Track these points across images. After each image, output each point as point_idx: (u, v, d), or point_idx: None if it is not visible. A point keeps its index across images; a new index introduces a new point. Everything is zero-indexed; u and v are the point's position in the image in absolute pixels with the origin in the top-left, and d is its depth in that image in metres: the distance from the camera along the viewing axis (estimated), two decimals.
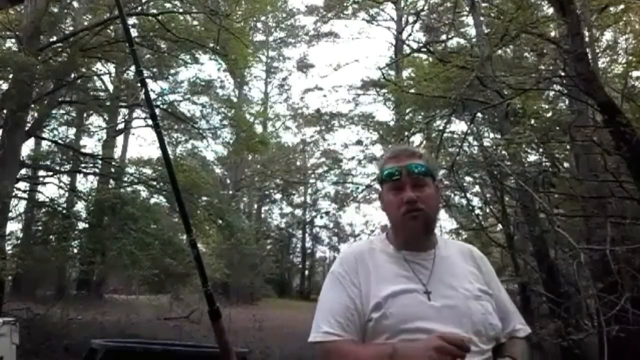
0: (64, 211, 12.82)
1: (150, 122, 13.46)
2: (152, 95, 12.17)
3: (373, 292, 1.39)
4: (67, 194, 14.07)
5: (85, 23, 13.39)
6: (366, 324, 1.37)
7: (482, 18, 10.17)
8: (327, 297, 1.46)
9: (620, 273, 5.20)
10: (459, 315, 1.34)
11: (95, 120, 16.72)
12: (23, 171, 12.08)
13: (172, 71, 14.75)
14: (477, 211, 12.17)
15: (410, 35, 16.93)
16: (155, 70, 14.02)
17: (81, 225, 12.95)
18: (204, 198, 13.62)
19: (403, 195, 1.43)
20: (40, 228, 13.25)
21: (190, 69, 16.58)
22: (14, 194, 11.17)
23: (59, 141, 13.74)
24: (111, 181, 14.20)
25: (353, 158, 24.05)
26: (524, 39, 8.61)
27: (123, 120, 17.86)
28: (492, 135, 12.20)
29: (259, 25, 25.77)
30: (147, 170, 13.71)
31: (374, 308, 1.36)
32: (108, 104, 15.10)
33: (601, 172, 6.82)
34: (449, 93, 7.62)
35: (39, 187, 13.26)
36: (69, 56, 11.17)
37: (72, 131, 15.83)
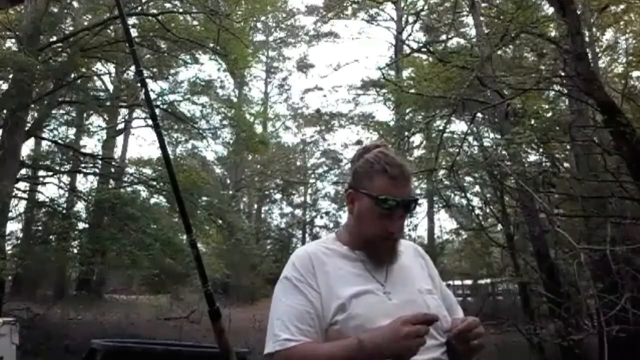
0: (64, 211, 12.82)
1: (150, 122, 13.45)
2: (152, 95, 12.16)
3: (335, 294, 1.35)
4: (67, 194, 14.08)
5: (85, 23, 13.40)
6: (329, 327, 1.33)
7: (482, 18, 10.16)
8: (283, 304, 1.37)
9: (620, 273, 5.20)
10: (420, 310, 1.33)
11: (95, 120, 16.73)
12: (23, 171, 12.07)
13: (172, 71, 14.75)
14: (477, 211, 12.16)
15: (410, 35, 16.94)
16: (155, 70, 14.01)
17: (81, 225, 12.97)
18: (204, 198, 13.62)
19: (388, 225, 1.40)
20: (40, 228, 13.25)
21: (190, 69, 16.57)
22: (14, 194, 11.17)
23: (59, 141, 13.73)
24: (111, 181, 14.20)
25: None
26: (524, 39, 8.61)
27: (123, 120, 17.86)
28: (492, 135, 12.20)
29: (259, 25, 25.74)
30: (147, 170, 13.72)
31: (338, 310, 1.33)
32: (108, 104, 15.10)
33: (601, 172, 6.82)
34: (449, 93, 7.62)
35: (39, 187, 13.26)
36: (69, 56, 11.18)
37: (72, 131, 15.80)
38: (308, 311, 1.34)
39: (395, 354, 1.22)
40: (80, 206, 14.00)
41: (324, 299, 1.35)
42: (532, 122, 7.74)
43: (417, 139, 13.24)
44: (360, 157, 1.47)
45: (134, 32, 11.49)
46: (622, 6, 9.51)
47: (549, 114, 8.97)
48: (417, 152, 13.39)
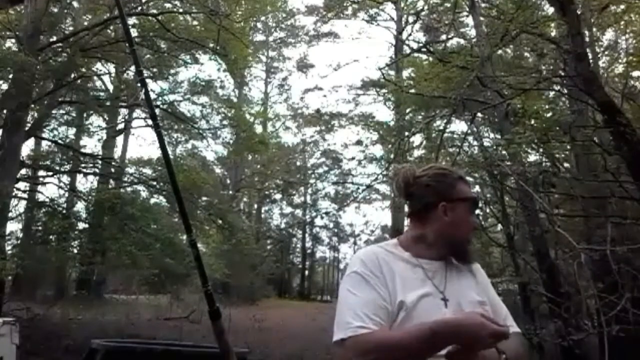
0: (64, 211, 12.83)
1: (150, 122, 13.46)
2: (152, 95, 12.16)
3: (399, 292, 1.43)
4: (67, 194, 14.08)
5: (85, 23, 13.40)
6: (392, 323, 1.40)
7: (482, 18, 10.15)
8: (354, 296, 1.42)
9: (620, 273, 5.19)
10: None
11: (95, 120, 16.70)
12: (23, 171, 12.08)
13: (172, 71, 14.72)
14: (477, 211, 12.13)
15: (410, 35, 16.92)
16: (155, 70, 14.00)
17: (81, 225, 12.98)
18: (204, 198, 13.64)
19: (473, 221, 1.58)
20: (40, 228, 13.25)
21: (190, 69, 16.56)
22: (14, 194, 11.17)
23: (59, 141, 13.73)
24: (111, 181, 14.21)
25: (353, 158, 24.02)
26: (524, 39, 8.61)
27: (123, 120, 17.87)
28: (492, 135, 12.19)
29: (259, 25, 25.76)
30: (147, 170, 13.75)
31: (400, 307, 1.40)
32: (108, 104, 15.10)
33: (601, 172, 6.81)
34: (449, 93, 7.62)
35: (39, 187, 13.27)
36: (69, 56, 11.18)
37: (72, 131, 15.78)
38: (378, 303, 1.40)
39: (471, 342, 1.28)
40: (80, 206, 14.04)
41: (392, 296, 1.42)
42: (532, 122, 7.73)
43: (417, 139, 13.22)
44: (421, 177, 1.58)
45: (134, 32, 11.50)
46: (622, 6, 9.50)
47: (549, 114, 8.95)
48: (417, 152, 13.38)
